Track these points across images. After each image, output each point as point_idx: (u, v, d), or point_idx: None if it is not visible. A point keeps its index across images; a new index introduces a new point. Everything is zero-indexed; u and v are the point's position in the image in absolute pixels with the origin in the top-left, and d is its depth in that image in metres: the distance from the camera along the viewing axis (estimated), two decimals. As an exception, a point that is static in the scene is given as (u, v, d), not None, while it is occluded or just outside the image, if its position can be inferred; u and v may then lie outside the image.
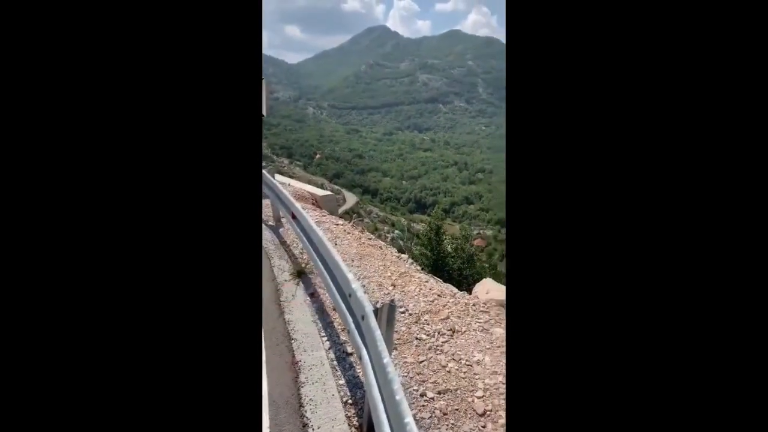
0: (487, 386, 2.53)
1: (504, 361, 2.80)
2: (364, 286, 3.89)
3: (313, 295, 3.71)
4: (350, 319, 2.29)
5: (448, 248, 9.45)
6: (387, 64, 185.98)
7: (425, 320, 3.31)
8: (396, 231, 42.91)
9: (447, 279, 7.58)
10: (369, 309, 2.03)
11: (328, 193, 7.95)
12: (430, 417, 2.30)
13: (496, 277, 7.80)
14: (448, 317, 3.36)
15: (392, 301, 2.04)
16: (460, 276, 8.37)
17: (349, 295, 2.31)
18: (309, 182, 13.46)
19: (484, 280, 4.54)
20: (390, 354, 1.93)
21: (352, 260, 4.45)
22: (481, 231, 57.67)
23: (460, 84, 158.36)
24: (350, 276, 2.37)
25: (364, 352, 2.01)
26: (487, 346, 2.98)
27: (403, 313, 3.39)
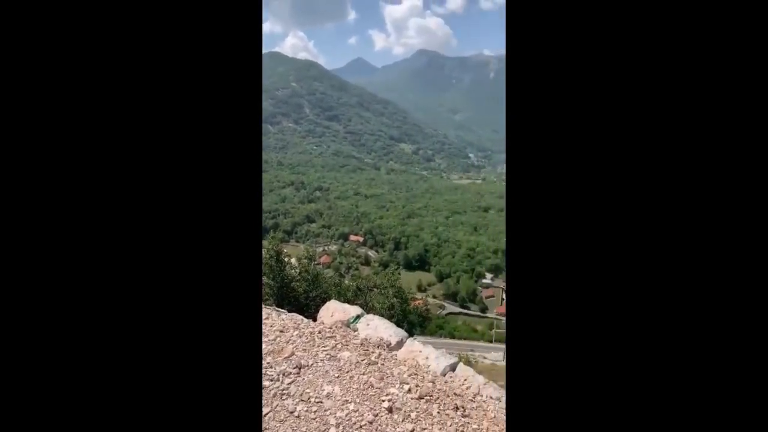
0: (340, 420, 2.41)
1: (354, 386, 2.74)
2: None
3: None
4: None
5: (293, 272, 9.11)
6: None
7: (268, 363, 2.99)
8: (236, 261, 39.41)
9: (294, 306, 7.26)
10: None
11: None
12: (281, 479, 2.03)
13: (342, 294, 7.90)
14: (293, 353, 3.12)
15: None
16: (307, 299, 8.15)
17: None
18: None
19: (328, 303, 4.46)
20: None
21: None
22: (326, 247, 58.75)
23: (287, 105, 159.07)
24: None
25: None
26: (336, 375, 2.87)
27: (241, 362, 2.98)
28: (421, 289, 46.30)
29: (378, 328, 3.71)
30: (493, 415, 2.49)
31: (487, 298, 48.29)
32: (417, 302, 12.57)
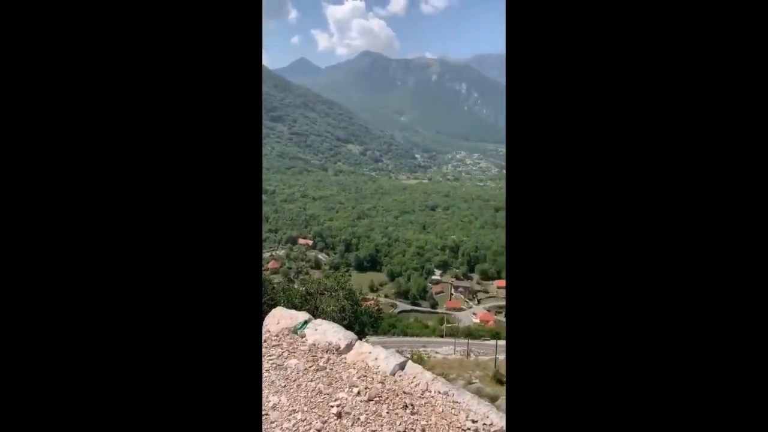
0: (286, 430, 2.32)
1: (301, 394, 2.66)
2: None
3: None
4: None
5: (237, 280, 8.69)
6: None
7: (208, 379, 2.81)
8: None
9: (239, 315, 6.92)
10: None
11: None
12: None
13: (290, 300, 7.68)
14: (235, 366, 2.96)
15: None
16: (254, 307, 7.82)
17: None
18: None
19: (273, 310, 4.30)
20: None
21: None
22: (274, 252, 56.94)
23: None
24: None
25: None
26: (283, 384, 2.77)
27: (177, 380, 2.77)
28: (373, 289, 46.53)
29: (326, 332, 3.64)
30: (441, 409, 2.53)
31: (437, 293, 49.65)
32: (369, 303, 12.58)
